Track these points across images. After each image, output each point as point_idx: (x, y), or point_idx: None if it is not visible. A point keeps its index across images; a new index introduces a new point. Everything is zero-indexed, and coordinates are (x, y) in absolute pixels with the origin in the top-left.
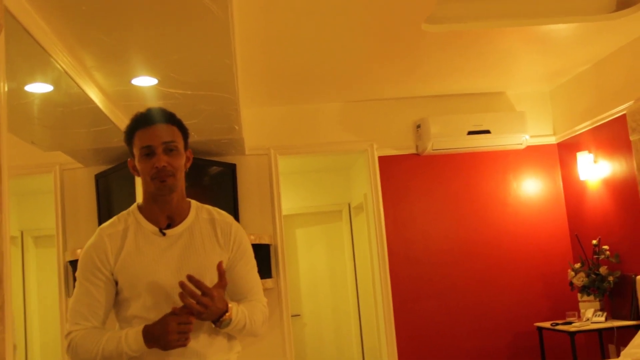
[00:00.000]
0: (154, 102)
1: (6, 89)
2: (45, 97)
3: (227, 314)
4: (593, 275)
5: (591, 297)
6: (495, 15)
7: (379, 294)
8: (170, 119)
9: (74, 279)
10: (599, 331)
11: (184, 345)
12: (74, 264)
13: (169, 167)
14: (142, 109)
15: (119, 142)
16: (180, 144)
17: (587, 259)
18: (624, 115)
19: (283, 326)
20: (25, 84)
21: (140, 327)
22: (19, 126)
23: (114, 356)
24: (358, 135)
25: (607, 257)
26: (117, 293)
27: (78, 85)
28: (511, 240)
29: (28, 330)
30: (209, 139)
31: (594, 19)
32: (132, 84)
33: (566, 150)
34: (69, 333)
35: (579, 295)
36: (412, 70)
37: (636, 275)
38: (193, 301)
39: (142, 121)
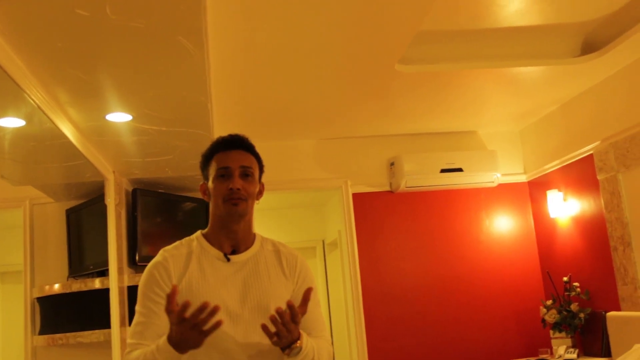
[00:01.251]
0: (128, 138)
1: None
2: (17, 131)
3: (298, 342)
4: (564, 312)
5: (563, 334)
6: (466, 57)
7: (353, 332)
8: (250, 148)
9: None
10: None
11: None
12: (41, 300)
13: (243, 191)
14: (219, 139)
15: (91, 177)
16: (256, 173)
17: (558, 295)
18: (592, 155)
19: None
20: None
21: (165, 336)
22: None
23: None
24: (333, 172)
25: (578, 294)
26: None
27: (51, 120)
28: (484, 277)
29: None
30: (183, 175)
31: (560, 62)
32: (107, 120)
33: (537, 188)
34: (127, 353)
35: (551, 332)
36: (386, 109)
37: (606, 311)
38: (283, 328)
39: (223, 144)
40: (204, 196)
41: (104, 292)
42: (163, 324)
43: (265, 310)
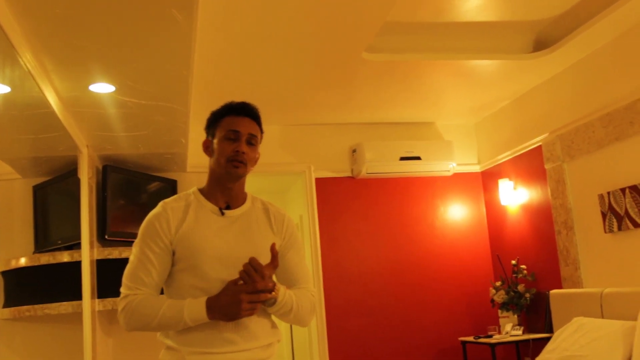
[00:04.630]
0: (109, 110)
1: None
2: (1, 99)
3: (273, 292)
4: (512, 293)
5: (510, 313)
6: (428, 49)
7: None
8: (258, 119)
9: (6, 290)
10: (517, 343)
11: (251, 314)
12: (6, 274)
13: (246, 156)
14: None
15: (64, 150)
16: (259, 143)
17: (507, 277)
18: (540, 146)
19: None
20: None
21: (203, 298)
22: None
23: (172, 324)
24: (296, 157)
25: (525, 276)
26: (173, 264)
27: (39, 87)
28: (438, 261)
29: None
30: (153, 152)
31: (514, 57)
32: (90, 90)
33: (489, 178)
34: (126, 296)
35: (499, 311)
36: (349, 98)
37: (549, 291)
38: (259, 277)
39: (236, 109)
40: (205, 151)
41: (73, 265)
42: (156, 271)
43: None
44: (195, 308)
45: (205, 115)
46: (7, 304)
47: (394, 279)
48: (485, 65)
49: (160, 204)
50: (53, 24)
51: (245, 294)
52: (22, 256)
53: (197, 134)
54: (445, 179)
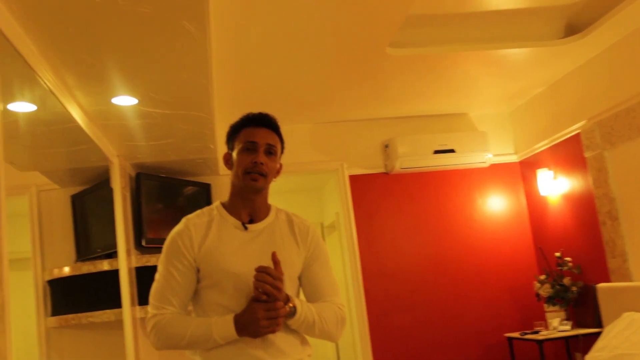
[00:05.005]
0: (133, 121)
1: (1, 108)
2: (28, 116)
3: (289, 303)
4: (557, 286)
5: (557, 307)
6: (454, 40)
7: (354, 310)
8: (277, 129)
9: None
10: (566, 339)
11: (274, 331)
12: (52, 283)
13: (265, 167)
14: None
15: (96, 161)
16: (279, 153)
17: (551, 270)
18: (579, 134)
19: None
20: (9, 102)
21: (231, 316)
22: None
23: (201, 342)
24: (329, 155)
25: (570, 269)
26: (198, 281)
27: (62, 104)
28: (479, 255)
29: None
30: (184, 159)
31: (545, 44)
32: (113, 103)
33: (527, 168)
34: (154, 316)
35: (545, 305)
36: (379, 92)
37: (597, 284)
38: (267, 285)
39: (254, 120)
40: (226, 165)
41: (113, 274)
42: (182, 289)
43: None
44: (223, 326)
45: (235, 119)
46: (54, 313)
47: (434, 273)
48: (516, 52)
49: (183, 220)
50: (69, 42)
51: (263, 310)
52: (65, 265)
53: (220, 138)
54: (482, 171)
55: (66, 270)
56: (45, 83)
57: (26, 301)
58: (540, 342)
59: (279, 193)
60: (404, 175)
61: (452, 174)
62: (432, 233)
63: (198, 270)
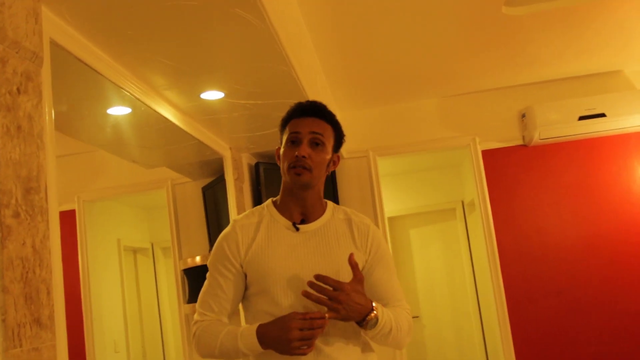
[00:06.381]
0: (227, 114)
1: (53, 115)
2: (126, 118)
3: (373, 313)
4: None
5: None
6: None
7: (491, 294)
8: (326, 116)
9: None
10: None
11: (304, 354)
12: (187, 272)
13: (308, 160)
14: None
15: (210, 155)
16: (329, 143)
17: None
18: None
19: None
20: (106, 107)
21: (255, 326)
22: (115, 147)
23: (232, 353)
24: (459, 130)
25: None
26: (246, 287)
27: (150, 107)
28: (637, 232)
29: (164, 333)
30: None
31: None
32: (202, 98)
33: None
34: (195, 323)
35: None
36: (510, 57)
37: None
38: (324, 297)
39: (298, 110)
40: (277, 161)
41: None
42: (225, 296)
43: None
44: (248, 337)
45: (355, 101)
46: (190, 300)
47: (584, 255)
48: None
49: (231, 222)
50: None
51: (298, 327)
52: (197, 254)
53: (348, 120)
54: None
55: (197, 260)
56: (127, 91)
57: (172, 287)
58: None
59: (416, 171)
60: (545, 147)
61: (602, 142)
62: (579, 210)
63: (246, 276)
